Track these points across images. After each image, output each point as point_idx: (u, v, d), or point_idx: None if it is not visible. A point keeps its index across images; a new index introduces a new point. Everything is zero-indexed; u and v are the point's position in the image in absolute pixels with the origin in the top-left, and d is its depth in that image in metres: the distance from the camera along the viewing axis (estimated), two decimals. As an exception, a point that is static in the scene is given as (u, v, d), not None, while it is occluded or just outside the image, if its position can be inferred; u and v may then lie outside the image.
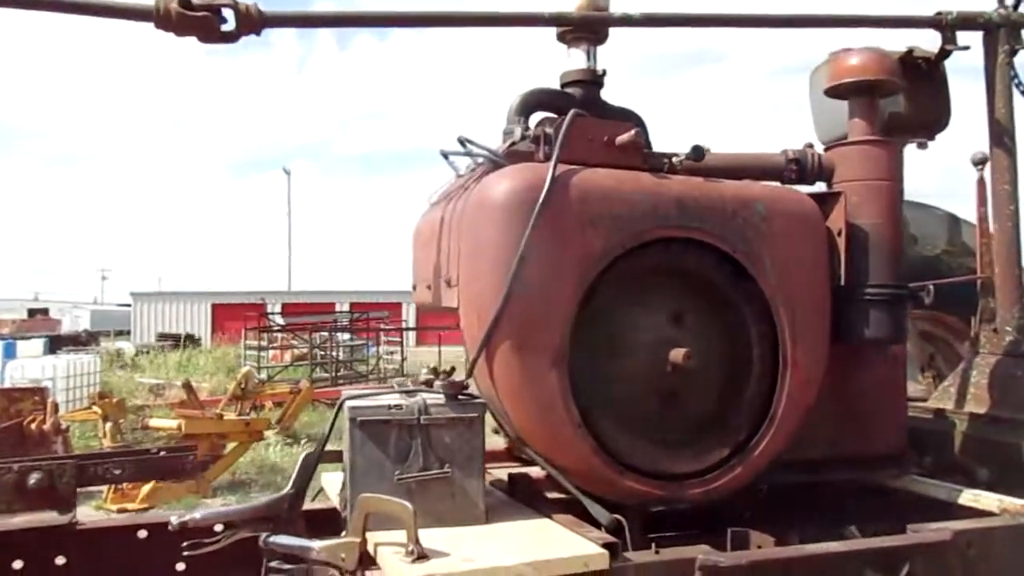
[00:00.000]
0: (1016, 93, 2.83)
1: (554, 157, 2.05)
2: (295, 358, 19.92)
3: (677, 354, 2.12)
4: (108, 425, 8.80)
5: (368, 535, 1.92)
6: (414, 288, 2.60)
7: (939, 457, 2.73)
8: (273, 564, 2.14)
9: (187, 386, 10.44)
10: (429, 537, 1.84)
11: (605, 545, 1.85)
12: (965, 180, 3.26)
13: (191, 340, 30.06)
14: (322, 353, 19.20)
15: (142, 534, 2.40)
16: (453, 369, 2.31)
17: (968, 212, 3.57)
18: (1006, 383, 2.70)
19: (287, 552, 2.08)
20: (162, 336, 32.90)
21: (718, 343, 2.25)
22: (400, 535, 1.88)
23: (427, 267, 2.42)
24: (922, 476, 2.63)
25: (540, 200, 1.99)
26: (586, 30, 2.49)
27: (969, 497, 2.44)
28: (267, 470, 9.61)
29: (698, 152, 2.22)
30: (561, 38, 2.55)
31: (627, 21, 2.42)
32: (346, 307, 30.78)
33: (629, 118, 2.57)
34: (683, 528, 2.43)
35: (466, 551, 1.83)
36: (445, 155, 2.49)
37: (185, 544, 2.23)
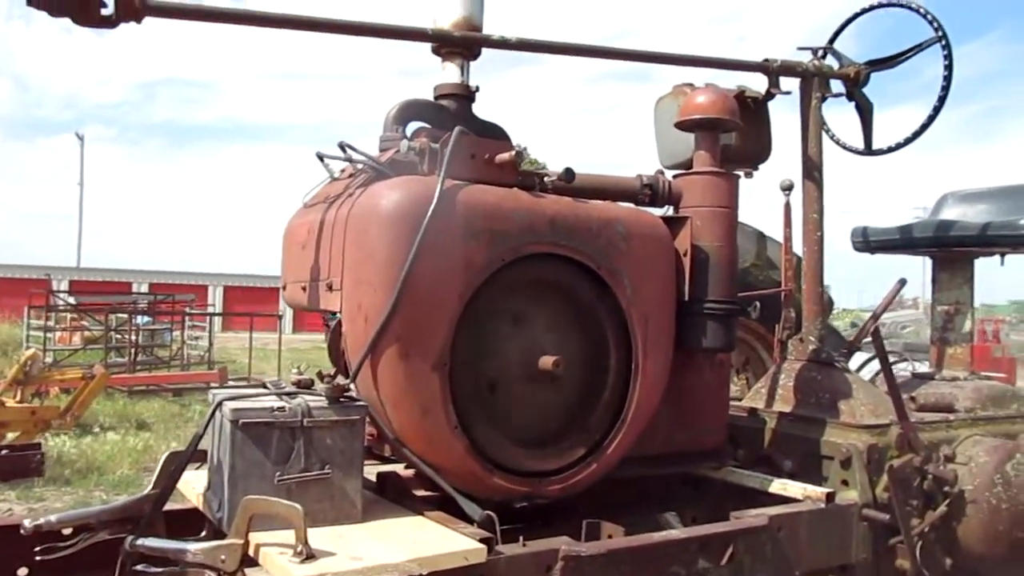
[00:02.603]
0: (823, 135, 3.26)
1: (442, 172, 2.15)
2: (86, 341, 18.42)
3: (547, 361, 2.29)
4: None
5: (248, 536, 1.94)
6: (284, 287, 2.61)
7: (750, 450, 3.08)
8: (139, 567, 2.09)
9: (-46, 367, 9.43)
10: (309, 536, 1.87)
11: (482, 540, 1.99)
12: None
13: (-43, 317, 27.00)
14: (118, 336, 17.89)
15: (-19, 538, 2.25)
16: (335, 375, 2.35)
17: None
18: (808, 385, 3.08)
19: (158, 554, 2.05)
20: (-80, 311, 29.26)
21: (581, 351, 2.44)
22: (280, 535, 1.91)
23: (302, 268, 2.44)
24: (737, 467, 2.98)
25: (429, 213, 2.08)
26: (462, 47, 2.60)
27: (778, 486, 2.77)
28: (52, 463, 8.79)
29: (570, 175, 2.40)
30: (436, 51, 2.64)
31: (504, 44, 2.55)
32: (144, 288, 28.89)
33: (496, 132, 2.71)
34: (516, 520, 2.46)
35: (351, 550, 1.90)
36: (321, 157, 2.52)
37: (38, 548, 2.14)
